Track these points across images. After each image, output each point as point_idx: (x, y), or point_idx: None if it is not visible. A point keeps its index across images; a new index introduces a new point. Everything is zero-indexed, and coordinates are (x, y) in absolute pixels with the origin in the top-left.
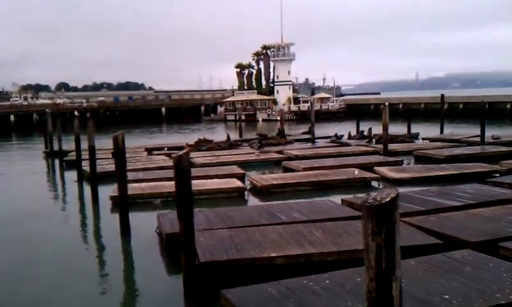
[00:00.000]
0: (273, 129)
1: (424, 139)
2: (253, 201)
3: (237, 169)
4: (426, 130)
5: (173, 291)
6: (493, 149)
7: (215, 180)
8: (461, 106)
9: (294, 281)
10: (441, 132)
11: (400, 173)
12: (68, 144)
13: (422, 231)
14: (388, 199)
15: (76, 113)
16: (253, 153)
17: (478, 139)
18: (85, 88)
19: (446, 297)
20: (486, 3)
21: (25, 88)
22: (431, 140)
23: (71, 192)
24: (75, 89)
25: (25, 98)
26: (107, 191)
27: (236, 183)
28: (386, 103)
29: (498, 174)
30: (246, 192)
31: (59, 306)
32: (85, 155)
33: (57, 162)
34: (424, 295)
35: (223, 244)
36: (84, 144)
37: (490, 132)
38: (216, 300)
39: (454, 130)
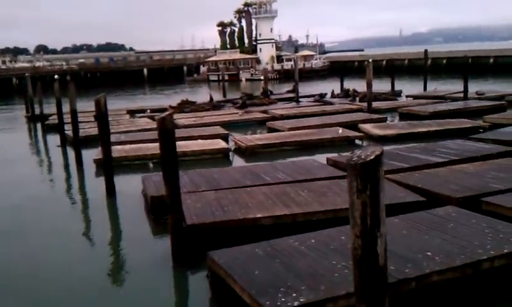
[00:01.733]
0: (257, 88)
1: (407, 96)
2: (238, 161)
3: (220, 130)
4: (410, 87)
5: (160, 253)
6: (477, 104)
7: (199, 140)
8: (444, 61)
9: (280, 241)
10: (425, 88)
11: (385, 130)
12: (50, 108)
13: (406, 188)
14: (372, 157)
15: (56, 76)
16: (236, 113)
17: (461, 95)
18: (64, 50)
19: (428, 253)
20: None
21: (3, 52)
22: (415, 97)
23: (54, 157)
24: (54, 51)
25: (4, 62)
26: (91, 155)
27: (220, 143)
28: (370, 60)
29: (481, 130)
30: (230, 153)
31: (45, 268)
32: (67, 118)
33: (39, 126)
34: (407, 253)
35: (209, 206)
36: (66, 108)
37: (474, 88)
38: (205, 262)
39: (437, 87)
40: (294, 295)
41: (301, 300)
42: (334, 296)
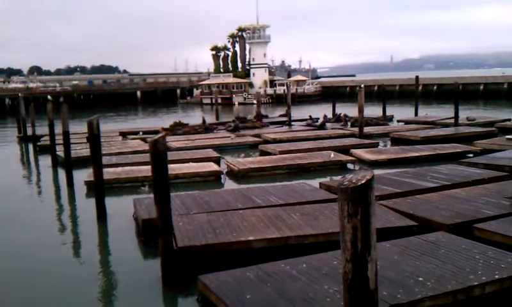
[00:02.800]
0: (250, 112)
1: (398, 121)
2: (229, 184)
3: (212, 153)
4: (401, 112)
5: (151, 276)
6: (467, 130)
7: (191, 163)
8: (435, 88)
9: (272, 265)
10: (416, 114)
11: (376, 155)
12: (42, 129)
13: (397, 214)
14: (363, 181)
15: (49, 97)
16: (228, 136)
17: (452, 120)
18: (58, 72)
19: (420, 279)
20: None
21: None
22: (406, 122)
23: (45, 178)
24: (48, 72)
25: None
26: (82, 176)
27: (212, 166)
28: (362, 86)
29: (472, 155)
30: (222, 176)
31: (34, 292)
32: (59, 139)
33: (31, 147)
34: (399, 277)
35: (201, 229)
36: (58, 129)
37: (464, 114)
38: (195, 286)
39: (428, 112)
40: None
41: None
42: None
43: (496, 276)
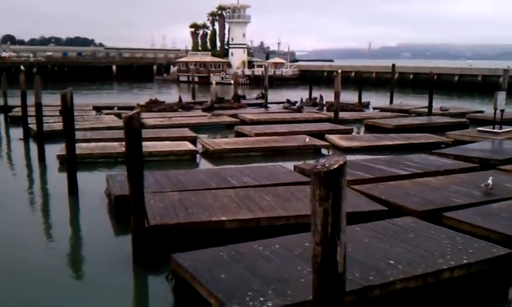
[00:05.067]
0: (227, 92)
1: (374, 108)
2: (204, 164)
3: (188, 132)
4: (377, 99)
5: (121, 254)
6: (440, 120)
7: (166, 142)
8: (411, 76)
9: (245, 246)
10: (391, 102)
11: (350, 141)
12: (14, 100)
13: (369, 199)
14: (336, 166)
15: (22, 68)
16: (205, 115)
17: (426, 110)
18: (32, 42)
19: (391, 262)
20: None
21: None
22: (381, 110)
23: (16, 150)
24: (21, 42)
25: None
26: (54, 150)
27: (188, 146)
28: (339, 71)
29: (444, 145)
30: (197, 156)
31: (2, 268)
32: (31, 111)
33: (1, 117)
34: (370, 260)
35: (173, 207)
36: (31, 100)
37: (438, 103)
38: (166, 264)
39: (403, 101)
40: (262, 299)
41: (269, 304)
42: (302, 301)
43: (464, 261)
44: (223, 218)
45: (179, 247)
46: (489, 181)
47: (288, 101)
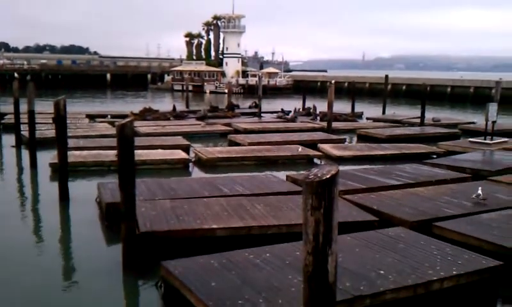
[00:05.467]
0: (221, 101)
1: (367, 118)
2: (197, 173)
3: (182, 140)
4: (370, 109)
5: (111, 261)
6: (432, 130)
7: (159, 150)
8: (404, 87)
9: (236, 254)
10: (384, 112)
11: (343, 151)
12: (7, 107)
13: (361, 209)
14: (328, 176)
15: (16, 75)
16: (199, 124)
17: (419, 120)
18: (26, 49)
19: (381, 272)
20: None
21: None
22: (374, 120)
23: (8, 157)
24: (15, 50)
25: None
26: (47, 158)
27: (181, 154)
28: (332, 82)
29: (435, 156)
30: (190, 164)
31: None
32: (24, 118)
33: None
34: (361, 270)
35: (164, 215)
36: (24, 108)
37: (431, 114)
38: (156, 272)
39: (396, 111)
40: None
41: None
42: None
43: (454, 272)
44: (214, 226)
45: (170, 255)
46: (479, 192)
47: (282, 110)
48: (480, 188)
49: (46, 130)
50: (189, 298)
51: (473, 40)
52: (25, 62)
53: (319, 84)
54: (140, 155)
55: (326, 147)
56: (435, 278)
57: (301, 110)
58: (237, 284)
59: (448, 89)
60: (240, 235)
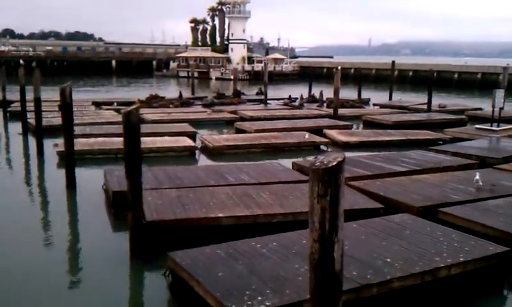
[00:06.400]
0: (226, 88)
1: (374, 104)
2: (203, 161)
3: (188, 127)
4: (377, 96)
5: (119, 249)
6: (439, 117)
7: (166, 137)
8: (410, 74)
9: (242, 243)
10: (390, 98)
11: (349, 137)
12: (13, 94)
13: (367, 196)
14: (334, 163)
15: (22, 62)
16: (205, 111)
17: (425, 106)
18: (31, 36)
19: (388, 260)
20: None
21: None
22: (381, 106)
23: (15, 145)
24: (20, 36)
25: None
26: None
27: (187, 141)
28: (339, 68)
29: (442, 142)
30: (196, 152)
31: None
32: (30, 106)
33: (0, 112)
34: (367, 258)
35: (170, 204)
36: (30, 95)
37: (437, 100)
38: (163, 260)
39: (402, 97)
40: (260, 298)
41: (267, 303)
42: (300, 300)
43: (461, 259)
44: (220, 215)
45: (176, 243)
46: (477, 177)
47: (289, 97)
48: (477, 174)
49: (52, 118)
50: (197, 289)
51: (480, 26)
52: (30, 49)
53: (325, 70)
54: (146, 142)
55: (332, 133)
56: (442, 265)
57: (307, 97)
58: (244, 274)
59: (455, 76)
60: (246, 223)
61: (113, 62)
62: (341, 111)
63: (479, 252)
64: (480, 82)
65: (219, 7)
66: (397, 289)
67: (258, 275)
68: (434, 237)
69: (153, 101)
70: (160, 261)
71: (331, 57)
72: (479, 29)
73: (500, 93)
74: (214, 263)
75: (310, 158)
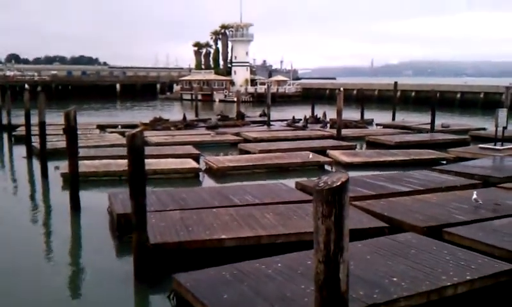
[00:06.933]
0: (230, 110)
1: (377, 125)
2: (207, 182)
3: (192, 149)
4: (380, 116)
5: (123, 272)
6: (442, 137)
7: (170, 159)
8: (413, 94)
9: (247, 265)
10: (393, 118)
11: (352, 157)
12: (18, 119)
13: (371, 215)
14: (338, 183)
15: (27, 86)
16: (209, 133)
17: (428, 126)
18: (37, 61)
19: (394, 279)
20: None
21: None
22: (384, 126)
23: (20, 168)
24: (26, 61)
25: None
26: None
27: (191, 163)
28: (341, 89)
29: (445, 162)
30: (200, 173)
31: (3, 284)
32: (35, 130)
33: (5, 136)
34: (374, 277)
35: (174, 226)
36: (35, 119)
37: (440, 120)
38: (167, 283)
39: (405, 118)
40: None
41: None
42: None
43: (468, 277)
44: (223, 236)
45: (180, 265)
46: (475, 196)
47: (293, 118)
48: (475, 192)
49: (57, 142)
50: None
51: (481, 46)
52: (35, 74)
53: (327, 91)
54: (150, 164)
55: (336, 153)
56: (449, 284)
57: (310, 117)
58: (250, 295)
59: (458, 95)
60: (249, 244)
61: (117, 86)
62: (344, 132)
63: (485, 270)
64: (483, 102)
65: (222, 30)
66: None
67: (263, 297)
68: (440, 256)
69: (156, 123)
70: (164, 283)
71: (334, 78)
72: (480, 49)
73: (503, 113)
74: (219, 285)
75: (314, 178)
